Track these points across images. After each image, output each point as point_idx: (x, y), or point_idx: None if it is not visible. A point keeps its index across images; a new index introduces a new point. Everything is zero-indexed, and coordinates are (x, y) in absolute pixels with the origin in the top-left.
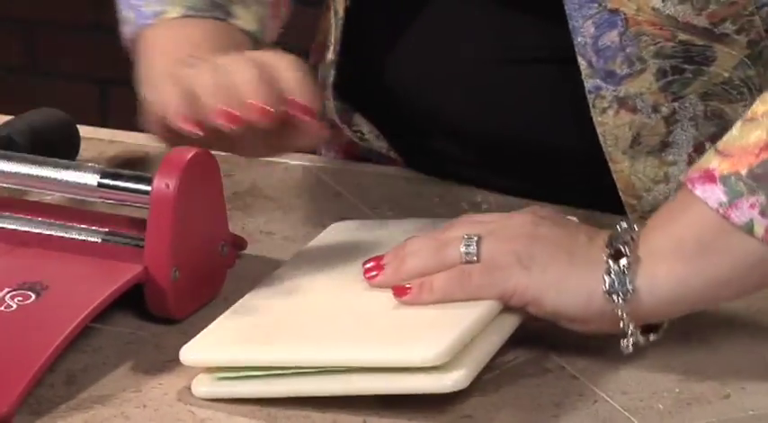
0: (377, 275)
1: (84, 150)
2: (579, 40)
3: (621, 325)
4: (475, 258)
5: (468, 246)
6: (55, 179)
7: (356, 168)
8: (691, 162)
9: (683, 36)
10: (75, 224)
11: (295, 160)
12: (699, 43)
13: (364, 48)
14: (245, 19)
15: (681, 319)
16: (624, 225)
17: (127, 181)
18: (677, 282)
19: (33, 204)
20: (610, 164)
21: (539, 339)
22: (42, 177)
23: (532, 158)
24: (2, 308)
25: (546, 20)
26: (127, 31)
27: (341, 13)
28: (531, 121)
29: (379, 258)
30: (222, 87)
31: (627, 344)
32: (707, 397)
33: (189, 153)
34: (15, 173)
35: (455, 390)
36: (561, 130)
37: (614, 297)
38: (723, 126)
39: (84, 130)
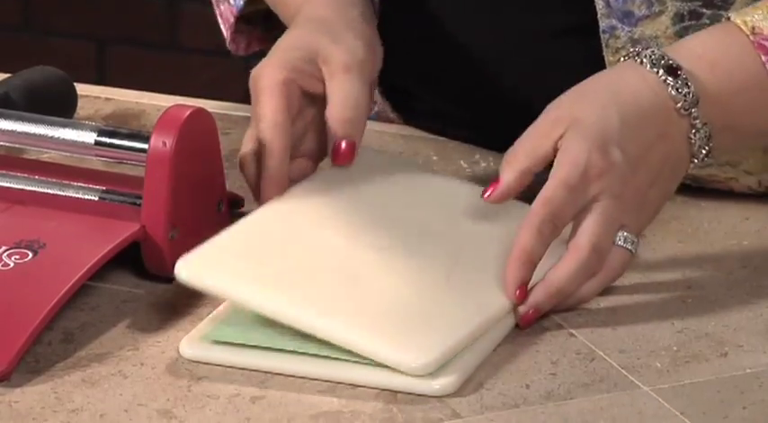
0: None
1: (81, 108)
2: None
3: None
4: None
5: None
6: (52, 137)
7: None
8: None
9: None
10: (72, 182)
11: None
12: None
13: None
14: None
15: (679, 278)
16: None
17: (124, 139)
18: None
19: (30, 162)
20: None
21: None
22: (39, 135)
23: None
24: None
25: None
26: None
27: None
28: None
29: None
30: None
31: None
32: (705, 355)
33: (186, 111)
34: (12, 131)
35: (441, 394)
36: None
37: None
38: None
39: (81, 88)
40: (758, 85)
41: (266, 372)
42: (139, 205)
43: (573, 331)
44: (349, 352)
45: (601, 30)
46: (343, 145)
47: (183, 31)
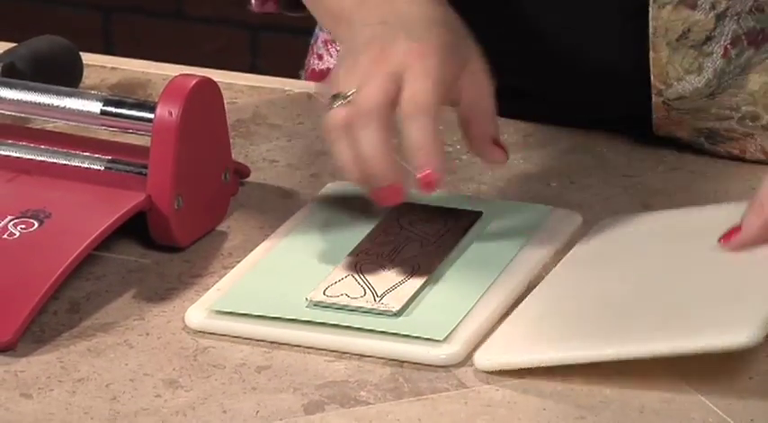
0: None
1: (87, 78)
2: None
3: None
4: None
5: None
6: (58, 106)
7: None
8: (726, 54)
9: None
10: (78, 152)
11: (299, 87)
12: None
13: None
14: None
15: None
16: None
17: (130, 108)
18: None
19: (36, 132)
20: (650, 52)
21: None
22: (45, 105)
23: (572, 76)
24: (5, 236)
25: None
26: None
27: None
28: (583, 37)
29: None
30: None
31: None
32: None
33: (192, 80)
34: (18, 100)
35: (447, 364)
36: (609, 48)
37: None
38: (761, 20)
39: (86, 58)
40: None
41: (272, 341)
42: (145, 175)
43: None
44: (356, 320)
45: None
46: (431, 177)
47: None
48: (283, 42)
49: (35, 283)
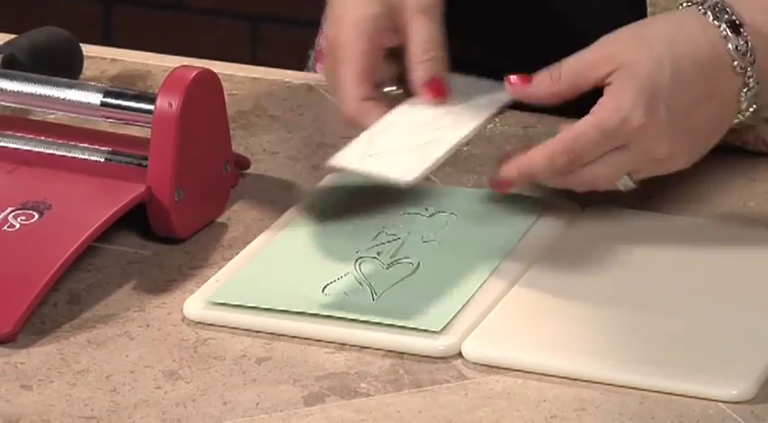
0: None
1: (87, 69)
2: None
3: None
4: None
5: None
6: (58, 98)
7: None
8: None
9: None
10: (78, 143)
11: (299, 79)
12: None
13: None
14: None
15: None
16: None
17: (130, 100)
18: None
19: (36, 123)
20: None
21: None
22: (45, 96)
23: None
24: (5, 227)
25: None
26: None
27: None
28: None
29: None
30: None
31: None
32: None
33: (192, 72)
34: (18, 92)
35: (446, 355)
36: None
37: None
38: None
39: (87, 49)
40: None
41: (271, 333)
42: (145, 166)
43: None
44: (356, 312)
45: None
46: (433, 83)
47: None
48: (284, 34)
49: (35, 275)
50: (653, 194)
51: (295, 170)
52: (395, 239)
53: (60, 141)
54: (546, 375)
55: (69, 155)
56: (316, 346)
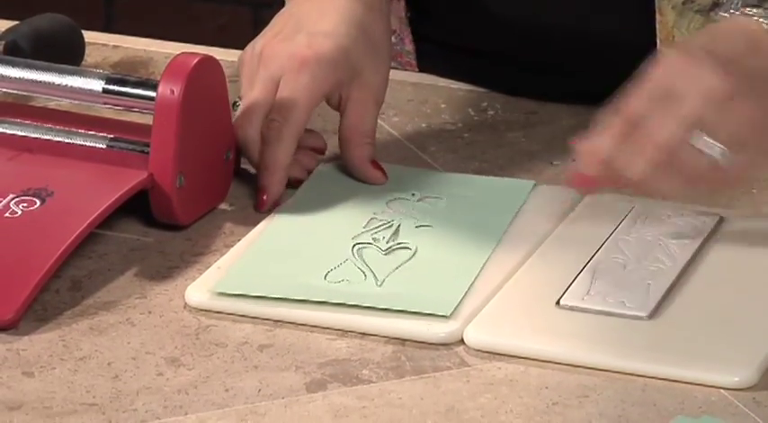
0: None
1: (89, 56)
2: None
3: None
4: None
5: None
6: (60, 85)
7: None
8: None
9: None
10: (80, 130)
11: None
12: None
13: None
14: None
15: None
16: None
17: (132, 87)
18: None
19: (38, 110)
20: (656, 14)
21: None
22: (47, 83)
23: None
24: (7, 214)
25: None
26: None
27: None
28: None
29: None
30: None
31: None
32: None
33: (194, 59)
34: (20, 78)
35: (448, 341)
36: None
37: None
38: None
39: (88, 36)
40: None
41: (274, 320)
42: (147, 153)
43: None
44: (361, 299)
45: None
46: (374, 162)
47: None
48: None
49: (37, 262)
50: None
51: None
52: (388, 225)
53: (62, 128)
54: (548, 362)
55: (71, 141)
56: (318, 332)
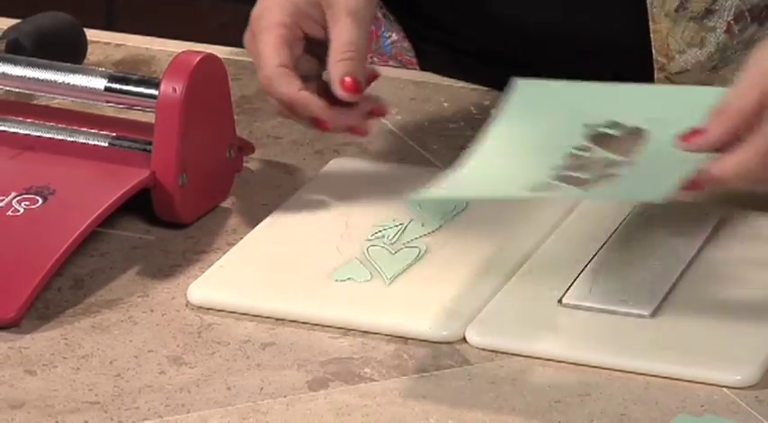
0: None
1: (91, 54)
2: None
3: None
4: None
5: None
6: (62, 83)
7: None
8: (729, 30)
9: None
10: (82, 128)
11: None
12: None
13: None
14: None
15: None
16: None
17: (134, 85)
18: None
19: (40, 108)
20: (650, 23)
21: None
22: (49, 81)
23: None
24: (9, 212)
25: None
26: None
27: None
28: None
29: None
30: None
31: None
32: None
33: (196, 57)
34: (22, 76)
35: (450, 340)
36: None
37: None
38: None
39: (90, 34)
40: None
41: (275, 318)
42: (149, 151)
43: None
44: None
45: None
46: (348, 79)
47: None
48: None
49: (39, 260)
50: None
51: (299, 155)
52: (399, 225)
53: (64, 126)
54: (550, 360)
55: (73, 140)
56: (320, 331)
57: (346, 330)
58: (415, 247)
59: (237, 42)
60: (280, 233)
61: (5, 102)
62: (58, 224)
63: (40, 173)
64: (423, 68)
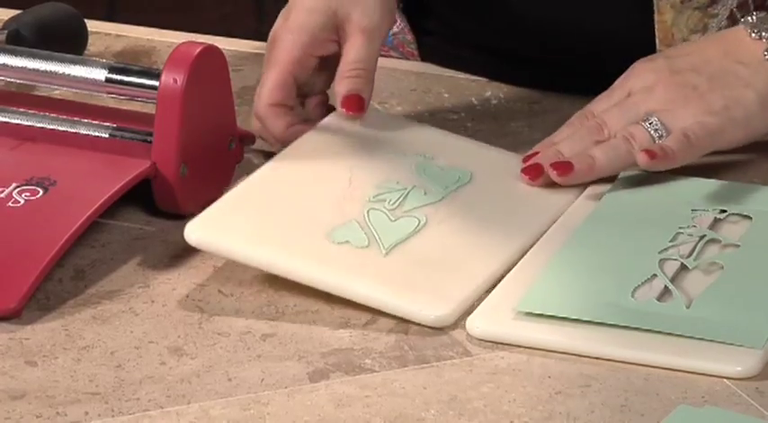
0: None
1: (92, 45)
2: None
3: None
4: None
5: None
6: (63, 74)
7: None
8: (731, 17)
9: None
10: (82, 119)
11: None
12: None
13: None
14: None
15: None
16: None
17: (135, 76)
18: None
19: (41, 99)
20: (655, 14)
21: None
22: (50, 72)
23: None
24: (10, 203)
25: None
26: None
27: None
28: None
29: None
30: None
31: None
32: None
33: (197, 48)
34: (23, 67)
35: (437, 325)
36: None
37: None
38: None
39: (91, 25)
40: None
41: (269, 273)
42: (150, 142)
43: None
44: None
45: None
46: (354, 97)
47: None
48: None
49: (40, 251)
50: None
51: None
52: (400, 192)
53: (65, 117)
54: (551, 351)
55: (74, 131)
56: (321, 321)
57: (347, 321)
58: (415, 217)
59: (238, 33)
60: (283, 178)
61: (6, 93)
62: (59, 215)
63: (40, 164)
64: (424, 59)
